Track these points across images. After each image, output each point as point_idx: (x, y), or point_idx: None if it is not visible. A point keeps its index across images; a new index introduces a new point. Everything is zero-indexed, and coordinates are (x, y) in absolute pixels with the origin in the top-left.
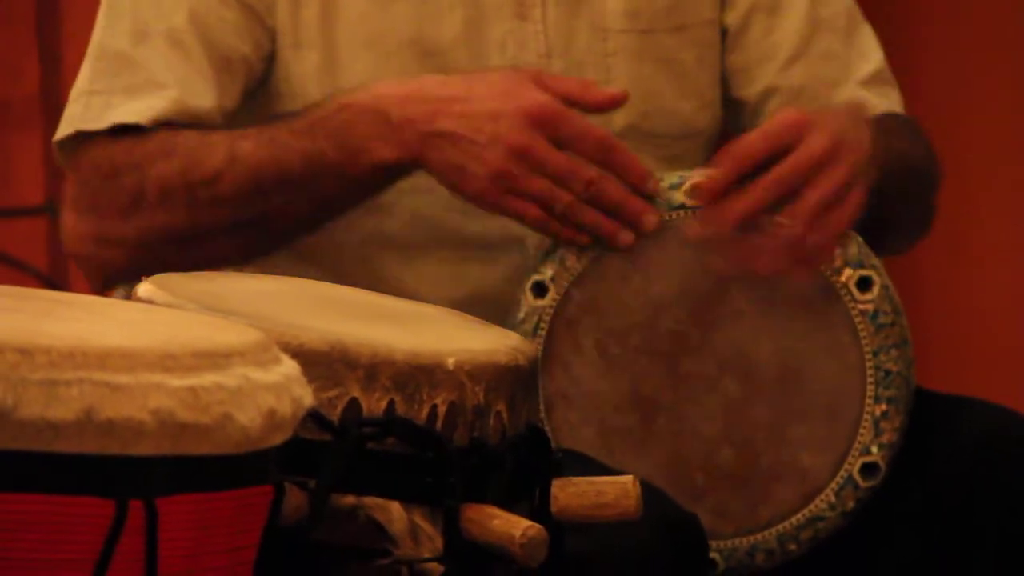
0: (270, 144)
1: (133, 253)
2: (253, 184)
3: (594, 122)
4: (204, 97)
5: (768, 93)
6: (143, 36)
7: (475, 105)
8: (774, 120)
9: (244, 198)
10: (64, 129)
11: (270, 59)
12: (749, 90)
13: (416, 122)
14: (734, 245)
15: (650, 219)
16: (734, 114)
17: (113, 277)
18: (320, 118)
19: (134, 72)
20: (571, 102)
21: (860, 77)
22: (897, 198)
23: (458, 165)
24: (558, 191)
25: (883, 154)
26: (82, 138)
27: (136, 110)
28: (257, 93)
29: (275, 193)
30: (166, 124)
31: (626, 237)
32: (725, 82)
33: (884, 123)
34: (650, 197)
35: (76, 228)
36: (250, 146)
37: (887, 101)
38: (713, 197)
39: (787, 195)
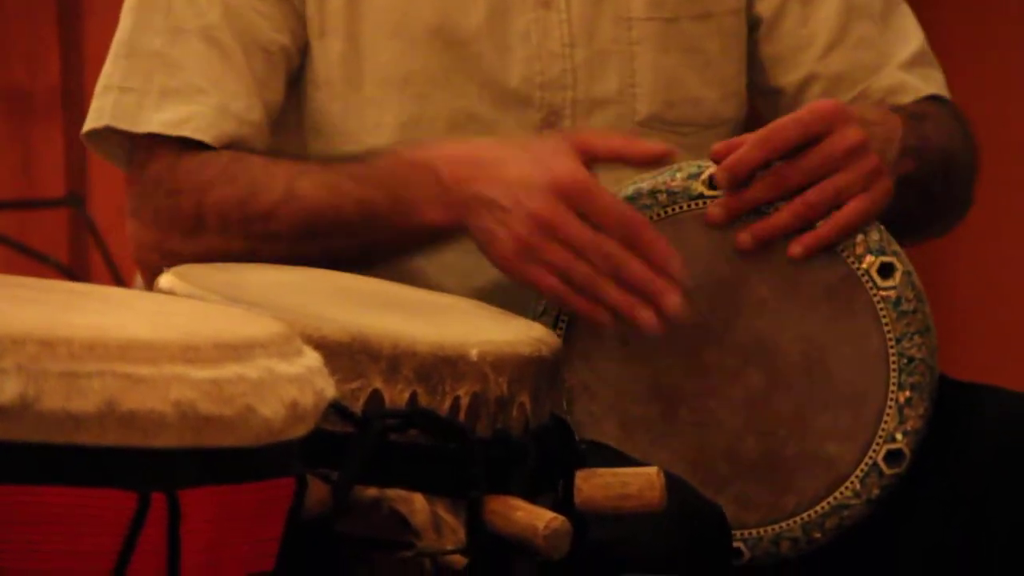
0: (328, 187)
1: None
2: (307, 224)
3: (617, 113)
4: (244, 98)
5: (807, 82)
6: (177, 33)
7: (510, 171)
8: (808, 108)
9: (298, 236)
10: (92, 122)
11: (306, 48)
12: (787, 79)
13: (461, 183)
14: (754, 228)
15: (673, 300)
16: (772, 103)
17: None
18: (378, 168)
19: (170, 74)
20: (618, 159)
21: (900, 61)
22: (932, 186)
23: (488, 229)
24: (578, 263)
25: (916, 144)
26: (136, 141)
27: (177, 118)
28: (296, 84)
29: (328, 235)
30: (228, 144)
31: (648, 318)
32: (762, 71)
33: (921, 110)
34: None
35: (141, 238)
36: (309, 185)
37: (929, 83)
38: (739, 178)
39: (814, 183)
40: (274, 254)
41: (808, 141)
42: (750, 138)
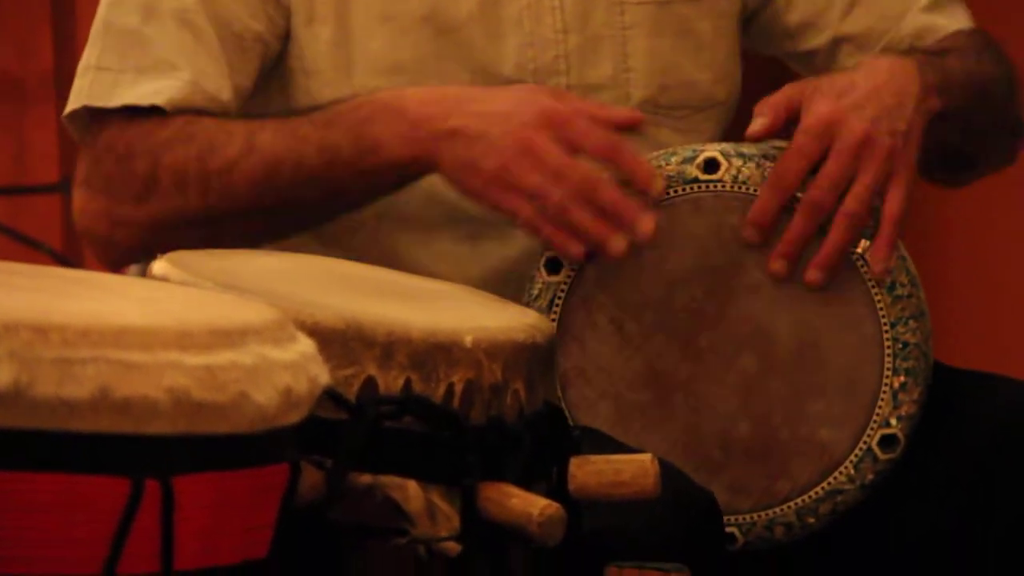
0: (289, 135)
1: (144, 234)
2: (268, 174)
3: (611, 97)
4: (216, 79)
5: (837, 43)
6: (152, 13)
7: (490, 105)
8: (801, 129)
9: (259, 188)
10: (72, 104)
11: (285, 37)
12: (816, 41)
13: (431, 120)
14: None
15: (646, 226)
16: (807, 64)
17: (123, 256)
18: (341, 111)
19: (145, 51)
20: (587, 115)
21: (922, 3)
22: (970, 115)
23: (466, 160)
24: (550, 187)
25: (938, 80)
26: (95, 115)
27: (150, 91)
28: (273, 71)
29: (290, 184)
30: (186, 110)
31: (617, 243)
32: (790, 39)
33: (945, 45)
34: (656, 200)
35: (88, 206)
36: (268, 136)
37: (953, 20)
38: (769, 228)
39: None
40: (230, 210)
41: (816, 161)
42: (762, 189)
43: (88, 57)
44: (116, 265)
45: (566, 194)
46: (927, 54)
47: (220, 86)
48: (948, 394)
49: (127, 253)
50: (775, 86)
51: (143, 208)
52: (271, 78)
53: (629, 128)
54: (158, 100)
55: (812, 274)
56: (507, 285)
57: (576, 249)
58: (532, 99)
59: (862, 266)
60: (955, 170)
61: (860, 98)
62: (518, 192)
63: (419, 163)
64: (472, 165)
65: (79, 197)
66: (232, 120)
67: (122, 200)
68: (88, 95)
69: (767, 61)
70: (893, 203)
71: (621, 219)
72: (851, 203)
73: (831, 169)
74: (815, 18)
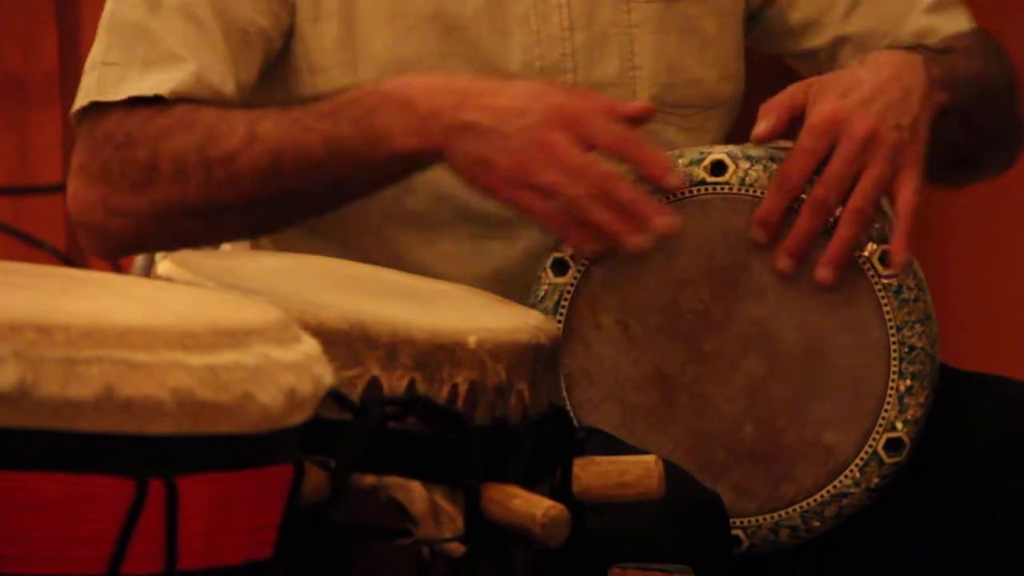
0: (292, 124)
1: (142, 225)
2: (271, 164)
3: (618, 96)
4: (220, 73)
5: (838, 42)
6: (157, 7)
7: (503, 99)
8: (806, 129)
9: (261, 177)
10: (79, 101)
11: (290, 33)
12: (819, 39)
13: (442, 113)
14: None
15: (663, 221)
16: (810, 64)
17: (119, 247)
18: (345, 102)
19: (150, 45)
20: (599, 109)
21: (924, 5)
22: (971, 113)
23: (480, 156)
24: (568, 185)
25: (943, 75)
26: (99, 109)
27: (154, 83)
28: (277, 68)
29: (293, 174)
30: (186, 99)
31: (634, 240)
32: (792, 37)
33: (950, 44)
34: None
35: (84, 195)
36: (271, 125)
37: (955, 22)
38: (776, 227)
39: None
40: (231, 199)
41: (822, 159)
42: (769, 189)
43: (95, 53)
44: (111, 256)
45: (584, 192)
46: (934, 51)
47: (224, 80)
48: (953, 396)
49: (123, 243)
50: (779, 84)
51: (142, 197)
52: (275, 75)
53: (641, 120)
54: (161, 90)
55: (821, 272)
56: (512, 286)
57: (593, 247)
58: (544, 94)
59: (868, 269)
60: (958, 169)
61: (865, 93)
62: (534, 189)
63: (428, 154)
64: (485, 161)
65: (74, 185)
66: (233, 109)
67: (120, 188)
68: (96, 91)
69: (771, 59)
70: (905, 196)
71: (639, 216)
72: (857, 199)
73: (836, 167)
74: (817, 17)
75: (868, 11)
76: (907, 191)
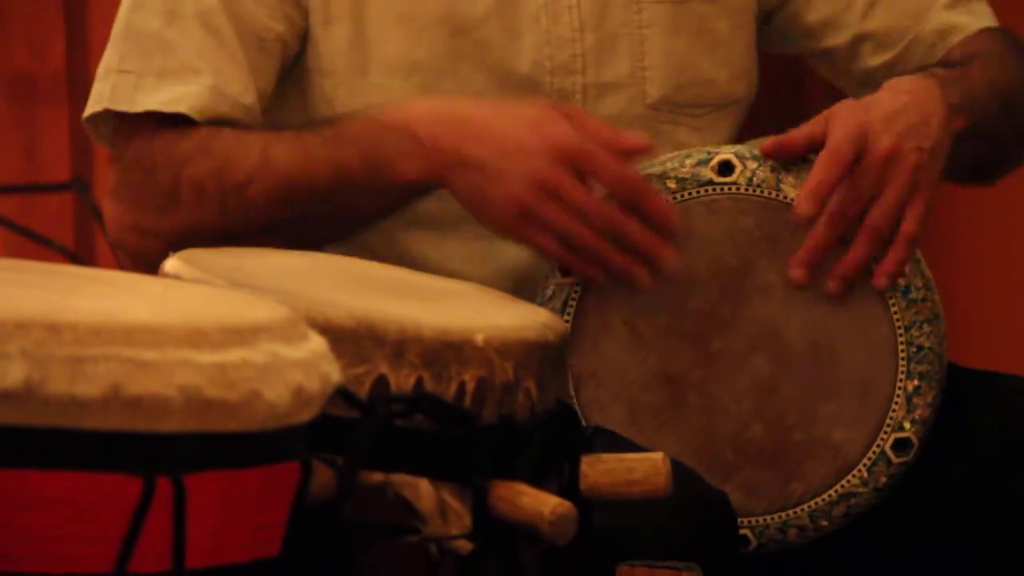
0: (301, 152)
1: (171, 244)
2: (283, 191)
3: (628, 96)
4: (239, 82)
5: (856, 42)
6: (174, 16)
7: (504, 133)
8: (835, 140)
9: (274, 204)
10: (92, 106)
11: (304, 37)
12: (838, 39)
13: (443, 145)
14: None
15: (671, 260)
16: (828, 63)
17: (154, 267)
18: (351, 130)
19: (167, 55)
20: (600, 143)
21: (944, 1)
22: (992, 128)
23: (481, 192)
24: (578, 226)
25: (961, 100)
26: (123, 121)
27: (172, 97)
28: (289, 72)
29: (304, 201)
30: (210, 120)
31: (644, 278)
32: (811, 37)
33: (966, 52)
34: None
35: (119, 219)
36: (282, 152)
37: (977, 18)
38: (824, 200)
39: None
40: (249, 225)
41: (849, 169)
42: (817, 162)
43: (110, 60)
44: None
45: (591, 230)
46: (949, 68)
47: (243, 89)
48: (961, 394)
49: (157, 263)
50: (789, 84)
51: (167, 220)
52: (287, 79)
53: (639, 154)
54: (181, 108)
55: (832, 285)
56: (520, 284)
57: (603, 277)
58: (544, 124)
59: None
60: (982, 175)
61: (888, 111)
62: (540, 227)
63: (432, 183)
64: (486, 197)
65: (109, 208)
66: (249, 132)
67: (148, 211)
68: (110, 99)
69: (781, 59)
70: (911, 222)
71: (646, 254)
72: (876, 217)
73: (859, 180)
74: (835, 17)
75: (887, 7)
76: (914, 216)
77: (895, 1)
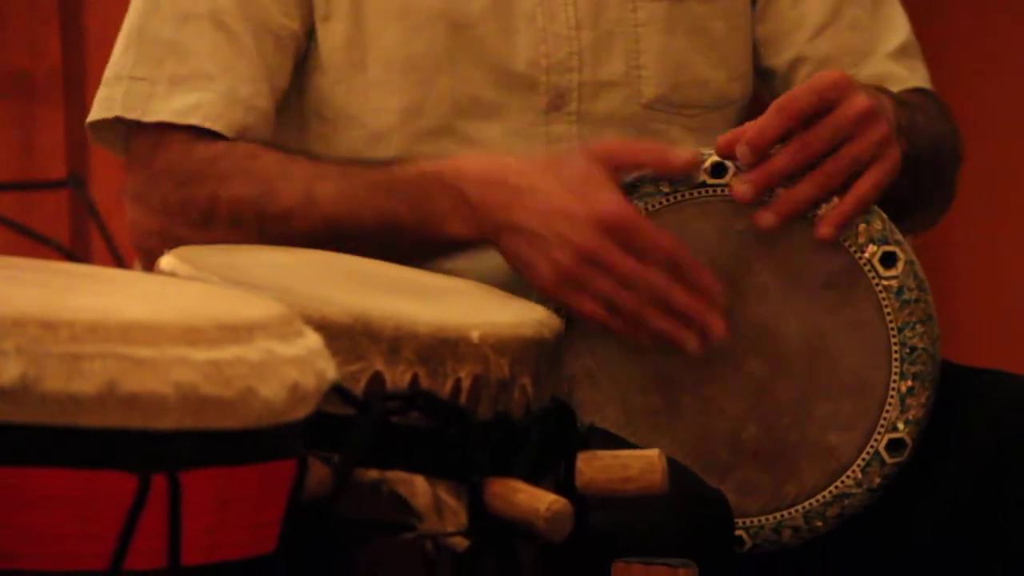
0: (350, 196)
1: None
2: (327, 229)
3: (623, 95)
4: (253, 83)
5: (797, 62)
6: (187, 19)
7: (550, 201)
8: (817, 76)
9: (317, 237)
10: (101, 112)
11: (311, 34)
12: (778, 59)
13: (492, 209)
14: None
15: (719, 327)
16: (766, 83)
17: None
18: (400, 179)
19: (180, 60)
20: (646, 166)
21: (888, 50)
22: (920, 171)
23: (528, 259)
24: (624, 294)
25: (907, 125)
26: (139, 126)
27: (186, 106)
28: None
29: (348, 239)
30: (241, 133)
31: (692, 342)
32: (755, 51)
33: (909, 98)
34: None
35: (145, 224)
36: (328, 190)
37: (915, 75)
38: (762, 150)
39: (829, 150)
40: (287, 246)
41: (821, 110)
42: (768, 110)
43: (120, 66)
44: None
45: (638, 300)
46: (899, 100)
47: (256, 91)
48: (955, 392)
49: None
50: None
51: (199, 233)
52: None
53: (692, 170)
54: (194, 119)
55: (764, 217)
56: (517, 282)
57: (646, 341)
58: (592, 193)
59: (869, 271)
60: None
61: (870, 88)
62: (587, 295)
63: (478, 240)
64: (534, 264)
65: (133, 211)
66: (292, 160)
67: (179, 223)
68: (122, 106)
69: None
70: (866, 182)
71: (693, 321)
72: (832, 163)
73: (831, 121)
74: (783, 35)
75: (835, 38)
76: (870, 180)
77: (843, 35)
